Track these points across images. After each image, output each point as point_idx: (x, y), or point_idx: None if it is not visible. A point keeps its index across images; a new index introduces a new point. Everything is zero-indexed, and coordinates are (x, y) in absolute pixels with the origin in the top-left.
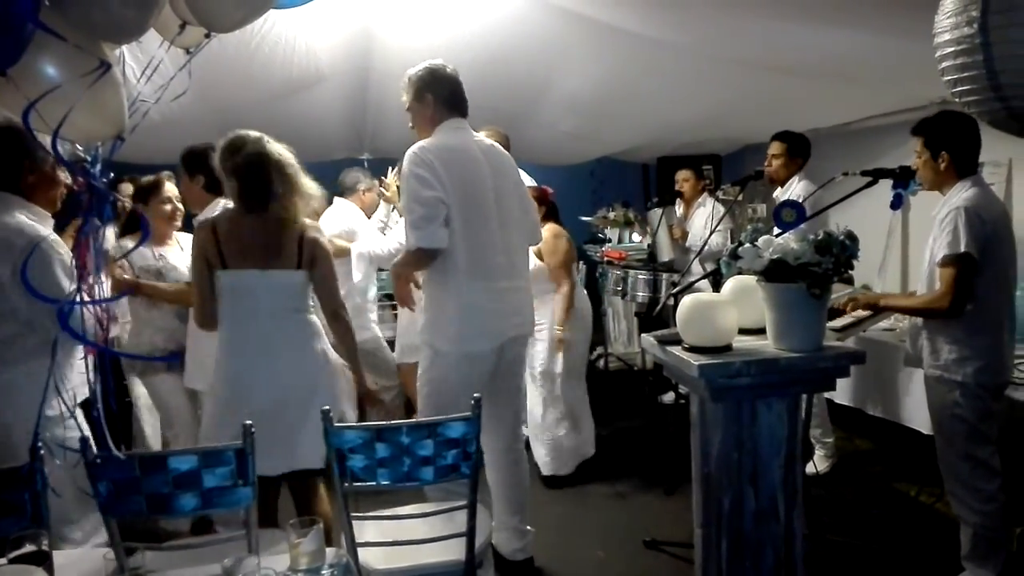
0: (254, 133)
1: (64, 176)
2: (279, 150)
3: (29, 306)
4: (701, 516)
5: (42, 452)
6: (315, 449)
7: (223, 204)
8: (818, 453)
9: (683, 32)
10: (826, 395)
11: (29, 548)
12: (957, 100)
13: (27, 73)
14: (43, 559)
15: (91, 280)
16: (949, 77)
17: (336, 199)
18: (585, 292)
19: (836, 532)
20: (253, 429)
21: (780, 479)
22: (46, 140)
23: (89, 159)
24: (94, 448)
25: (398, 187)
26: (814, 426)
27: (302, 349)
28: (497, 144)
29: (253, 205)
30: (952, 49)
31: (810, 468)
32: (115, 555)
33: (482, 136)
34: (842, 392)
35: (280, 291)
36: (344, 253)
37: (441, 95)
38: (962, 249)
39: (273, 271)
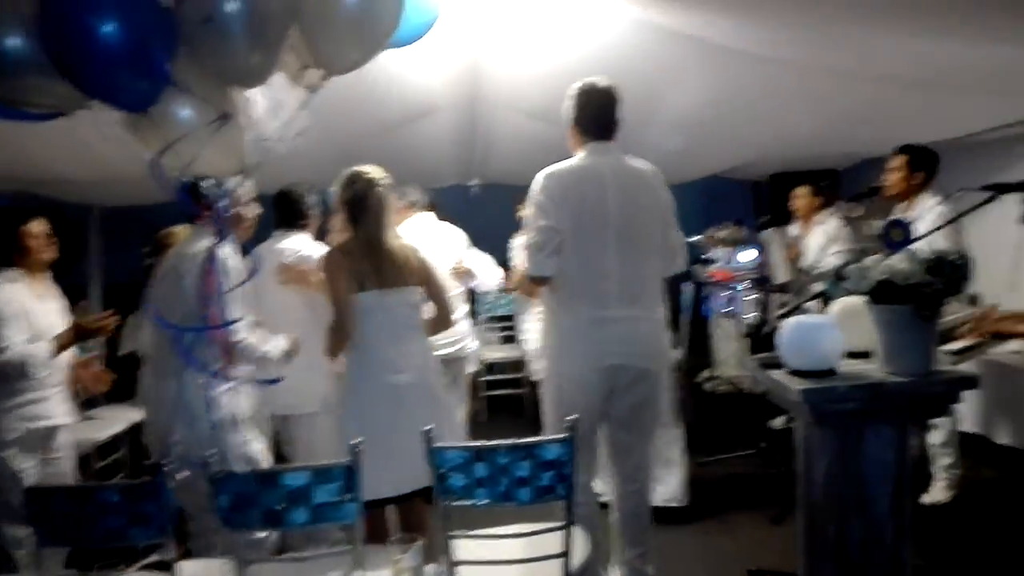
0: (367, 170)
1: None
2: (384, 189)
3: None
4: (805, 544)
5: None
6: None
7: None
8: (939, 483)
9: (794, 48)
10: (952, 422)
11: (155, 558)
12: None
13: (163, 114)
14: (168, 568)
15: (214, 306)
16: None
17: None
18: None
19: (954, 566)
20: (360, 448)
21: (888, 508)
22: None
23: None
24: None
25: None
26: (943, 455)
27: (422, 367)
28: (642, 167)
29: (364, 232)
30: None
31: (928, 498)
32: (233, 566)
33: (628, 159)
34: (968, 418)
35: (400, 310)
36: None
37: (581, 121)
38: None
39: (393, 290)
